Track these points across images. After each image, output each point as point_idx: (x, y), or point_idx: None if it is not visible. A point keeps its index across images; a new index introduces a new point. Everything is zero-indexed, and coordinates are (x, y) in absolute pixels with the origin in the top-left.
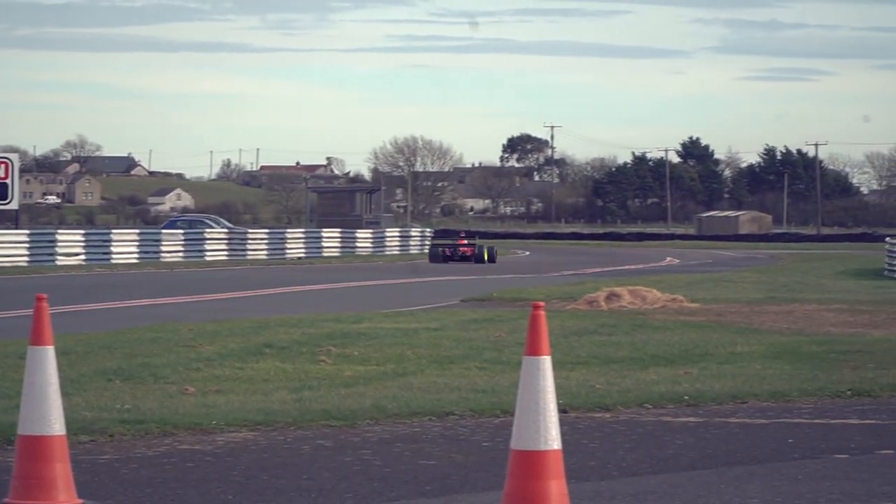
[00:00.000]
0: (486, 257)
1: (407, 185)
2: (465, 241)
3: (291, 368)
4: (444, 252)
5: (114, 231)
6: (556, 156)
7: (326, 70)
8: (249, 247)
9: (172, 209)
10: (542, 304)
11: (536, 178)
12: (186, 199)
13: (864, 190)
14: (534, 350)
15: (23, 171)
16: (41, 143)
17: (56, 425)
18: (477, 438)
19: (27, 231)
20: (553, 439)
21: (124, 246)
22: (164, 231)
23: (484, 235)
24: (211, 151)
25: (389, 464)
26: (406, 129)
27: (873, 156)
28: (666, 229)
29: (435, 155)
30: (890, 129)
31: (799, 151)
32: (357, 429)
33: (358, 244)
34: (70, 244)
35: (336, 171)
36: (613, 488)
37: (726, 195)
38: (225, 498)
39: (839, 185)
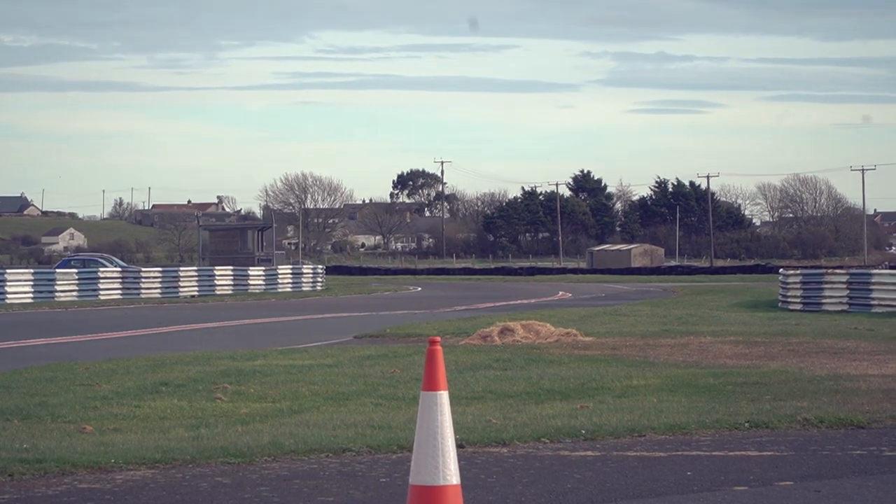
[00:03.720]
0: None
1: (298, 222)
2: None
3: (188, 406)
4: None
5: (8, 271)
6: (447, 191)
7: (216, 108)
8: (143, 285)
9: (66, 248)
10: (438, 339)
11: (427, 213)
12: (79, 239)
13: (757, 222)
14: (431, 385)
15: None
16: None
17: None
18: (375, 474)
19: None
20: (452, 474)
21: (18, 286)
22: (58, 270)
23: (376, 272)
24: (103, 191)
25: (288, 501)
26: (296, 166)
27: (765, 187)
28: (558, 263)
29: (325, 192)
30: (781, 160)
31: (691, 184)
32: (255, 466)
33: (250, 282)
34: None
35: (227, 209)
36: None
37: (618, 228)
38: None
39: (731, 217)
